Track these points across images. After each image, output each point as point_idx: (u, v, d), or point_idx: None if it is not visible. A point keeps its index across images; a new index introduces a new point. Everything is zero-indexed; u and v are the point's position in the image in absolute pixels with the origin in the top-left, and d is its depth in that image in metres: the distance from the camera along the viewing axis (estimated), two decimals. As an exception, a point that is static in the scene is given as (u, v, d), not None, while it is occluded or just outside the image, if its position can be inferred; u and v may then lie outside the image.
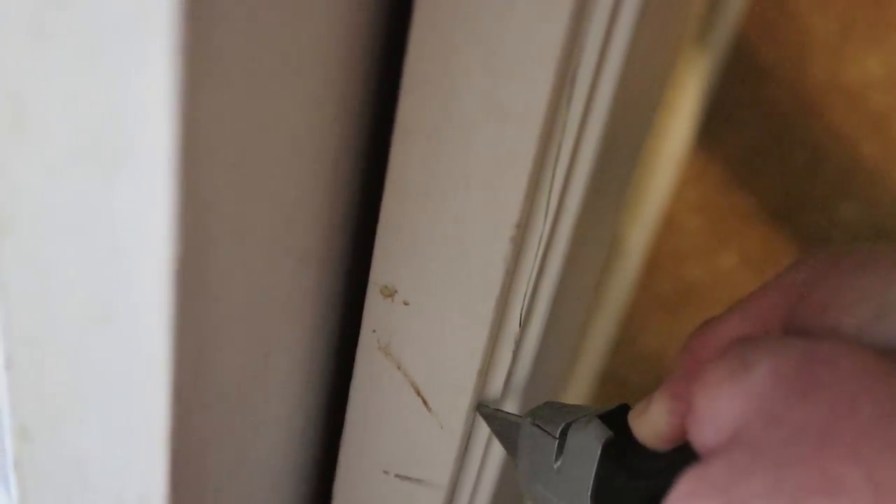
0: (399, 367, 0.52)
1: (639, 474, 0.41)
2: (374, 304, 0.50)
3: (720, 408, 0.35)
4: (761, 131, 1.48)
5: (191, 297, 0.34)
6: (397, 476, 0.56)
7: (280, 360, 0.46)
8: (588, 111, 0.43)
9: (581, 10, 0.39)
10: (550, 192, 0.45)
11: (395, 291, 0.49)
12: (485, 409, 0.51)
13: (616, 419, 0.43)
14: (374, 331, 0.51)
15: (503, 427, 0.50)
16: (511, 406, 0.53)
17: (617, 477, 0.42)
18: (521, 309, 0.49)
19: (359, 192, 0.47)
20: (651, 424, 0.41)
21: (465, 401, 0.52)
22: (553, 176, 0.44)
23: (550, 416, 0.46)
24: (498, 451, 0.57)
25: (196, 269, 0.33)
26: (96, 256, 0.33)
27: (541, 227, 0.46)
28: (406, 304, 0.49)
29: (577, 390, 1.12)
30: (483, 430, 0.55)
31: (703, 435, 0.36)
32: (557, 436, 0.45)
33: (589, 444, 0.43)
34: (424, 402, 0.53)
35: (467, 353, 0.50)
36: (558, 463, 0.45)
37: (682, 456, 0.38)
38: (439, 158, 0.44)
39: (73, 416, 0.38)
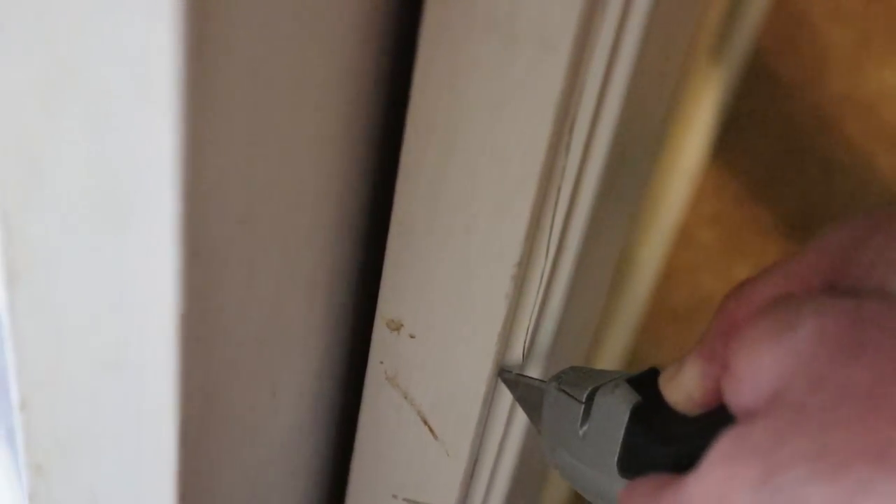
0: (406, 397, 0.53)
1: (669, 439, 0.40)
2: (381, 337, 0.51)
3: (761, 367, 0.34)
4: (777, 144, 1.48)
5: (196, 343, 0.35)
6: (405, 501, 0.57)
7: (287, 394, 0.47)
8: (586, 156, 0.44)
9: (579, 59, 0.40)
10: (551, 232, 0.46)
11: (402, 325, 0.50)
12: (507, 375, 0.50)
13: (645, 383, 0.42)
14: (381, 362, 0.52)
15: (526, 393, 0.49)
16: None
17: (645, 442, 0.41)
18: (525, 341, 0.50)
19: (365, 228, 0.49)
20: (683, 387, 0.40)
21: (470, 428, 0.53)
22: (553, 217, 0.45)
23: (576, 381, 0.45)
24: (503, 476, 0.58)
25: (201, 316, 0.35)
26: (106, 305, 0.34)
27: (542, 265, 0.47)
28: (412, 337, 0.50)
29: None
30: (488, 455, 0.56)
31: (741, 395, 0.35)
32: (584, 400, 0.44)
33: (617, 408, 0.42)
34: (431, 430, 0.54)
35: (472, 384, 0.51)
36: (584, 428, 0.44)
37: (715, 420, 0.37)
38: (442, 199, 0.45)
39: (85, 453, 0.39)
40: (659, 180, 1.20)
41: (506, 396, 0.53)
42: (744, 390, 0.35)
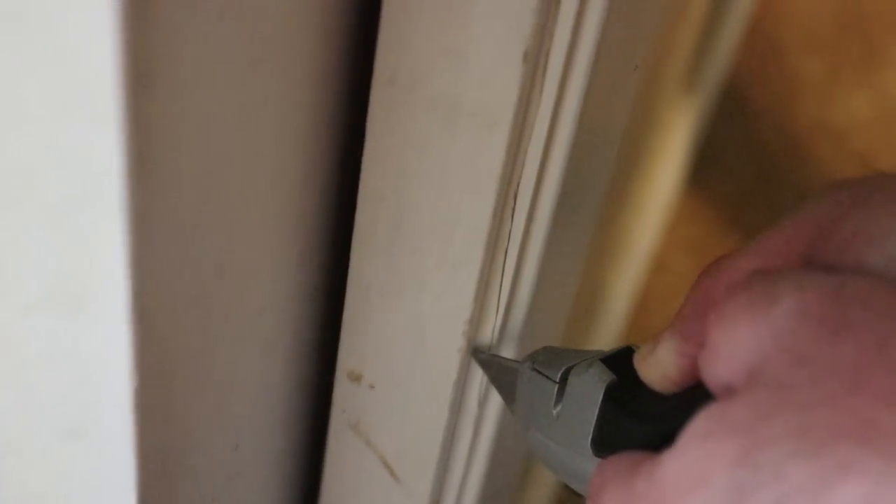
0: (368, 443, 0.55)
1: (644, 417, 0.40)
2: (342, 388, 0.53)
3: (739, 341, 0.33)
4: (751, 171, 1.51)
5: (153, 413, 0.37)
6: (370, 540, 0.59)
7: (251, 446, 0.49)
8: (531, 218, 0.46)
9: (519, 134, 0.43)
10: (500, 290, 0.48)
11: (362, 376, 0.53)
12: (481, 355, 0.50)
13: (619, 363, 0.42)
14: (343, 411, 0.54)
15: (500, 373, 0.49)
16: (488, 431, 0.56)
17: (620, 421, 0.40)
18: (479, 390, 0.52)
19: (324, 287, 0.51)
20: (659, 366, 0.39)
21: (429, 472, 0.55)
22: (502, 276, 0.48)
23: (550, 361, 0.45)
24: (465, 516, 0.60)
25: (157, 389, 0.37)
26: (66, 383, 0.36)
27: (493, 321, 0.49)
28: (372, 387, 0.53)
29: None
30: (450, 495, 0.58)
31: (718, 370, 0.34)
32: (557, 380, 0.44)
33: (590, 387, 0.41)
34: (392, 474, 0.56)
35: (431, 430, 0.53)
36: (558, 408, 0.43)
37: (692, 397, 0.37)
38: (395, 263, 0.47)
39: (53, 512, 0.42)
40: (633, 209, 1.22)
41: (464, 440, 0.55)
42: (720, 365, 0.34)
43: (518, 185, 0.45)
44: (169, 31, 0.29)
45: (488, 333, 0.50)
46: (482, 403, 0.53)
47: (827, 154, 1.50)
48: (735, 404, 0.32)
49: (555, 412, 0.44)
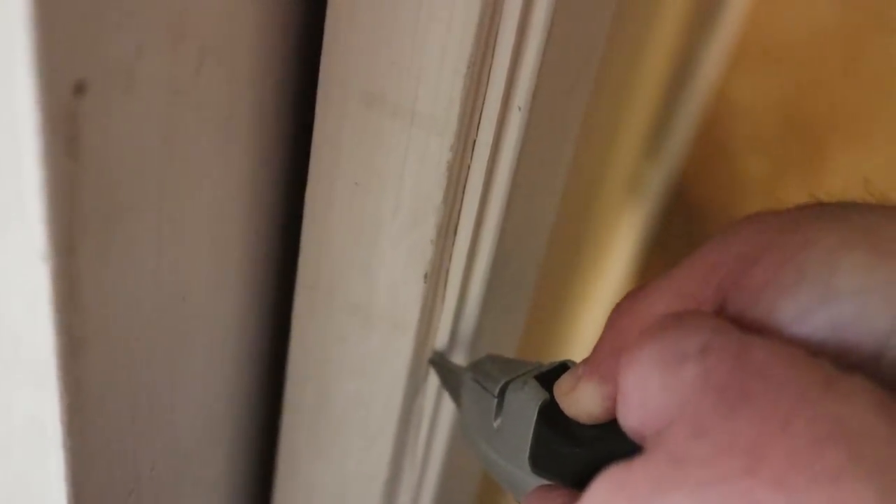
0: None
1: (575, 441, 0.39)
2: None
3: (649, 394, 0.33)
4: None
5: None
6: None
7: None
8: (441, 399, 0.52)
9: (425, 335, 0.48)
10: (414, 458, 0.53)
11: (293, 526, 0.58)
12: (435, 357, 0.50)
13: (555, 380, 0.42)
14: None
15: (449, 376, 0.49)
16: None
17: (554, 442, 0.40)
18: (401, 538, 0.58)
19: (258, 453, 0.56)
20: (581, 405, 0.39)
21: None
22: (416, 447, 0.53)
23: (491, 372, 0.45)
24: None
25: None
26: None
27: (411, 480, 0.55)
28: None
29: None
30: None
31: (629, 417, 0.34)
32: (496, 394, 0.43)
33: (525, 406, 0.41)
34: None
35: None
36: (498, 422, 0.43)
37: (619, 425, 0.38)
38: (321, 433, 0.52)
39: None
40: (582, 307, 1.27)
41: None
42: (631, 413, 0.34)
43: (427, 373, 0.50)
44: (96, 313, 0.34)
45: (406, 495, 0.55)
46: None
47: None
48: (635, 472, 0.32)
49: (495, 425, 0.44)
